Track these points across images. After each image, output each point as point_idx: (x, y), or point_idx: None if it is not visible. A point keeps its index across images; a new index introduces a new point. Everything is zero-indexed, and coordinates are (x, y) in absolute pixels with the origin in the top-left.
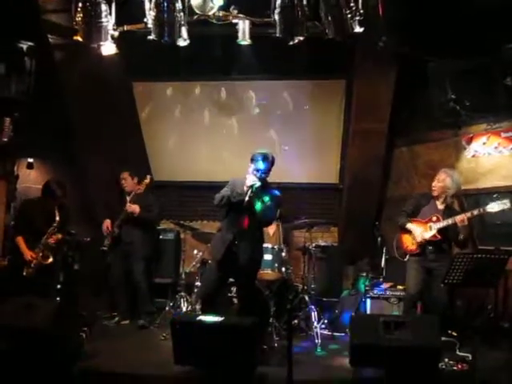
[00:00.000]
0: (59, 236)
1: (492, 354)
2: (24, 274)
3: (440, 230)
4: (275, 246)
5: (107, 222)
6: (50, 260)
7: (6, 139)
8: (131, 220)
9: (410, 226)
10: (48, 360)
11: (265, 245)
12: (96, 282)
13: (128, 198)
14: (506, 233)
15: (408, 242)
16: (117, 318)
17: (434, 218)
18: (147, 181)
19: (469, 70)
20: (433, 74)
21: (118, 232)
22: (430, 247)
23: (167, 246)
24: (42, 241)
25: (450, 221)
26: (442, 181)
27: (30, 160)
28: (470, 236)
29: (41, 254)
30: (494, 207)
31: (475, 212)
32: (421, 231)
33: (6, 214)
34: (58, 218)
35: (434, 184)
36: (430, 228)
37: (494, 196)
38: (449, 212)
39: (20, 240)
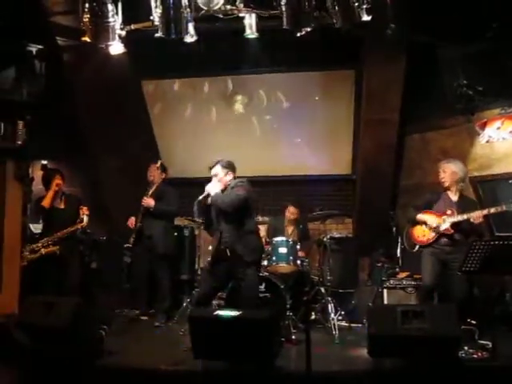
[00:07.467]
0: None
1: None
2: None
3: (454, 224)
4: (290, 239)
5: (132, 219)
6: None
7: (20, 142)
8: (150, 213)
9: (420, 216)
10: (68, 358)
11: (280, 238)
12: (114, 280)
13: (149, 191)
14: None
15: (419, 233)
16: (137, 312)
17: (449, 212)
18: (157, 165)
19: (480, 54)
20: (443, 59)
21: (141, 226)
22: (445, 239)
23: (182, 242)
24: None
25: (464, 216)
26: (448, 169)
27: (44, 162)
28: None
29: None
30: (510, 207)
31: (492, 210)
32: (435, 221)
33: (23, 216)
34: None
35: (441, 176)
36: (444, 221)
37: (510, 182)
38: (464, 204)
39: None
